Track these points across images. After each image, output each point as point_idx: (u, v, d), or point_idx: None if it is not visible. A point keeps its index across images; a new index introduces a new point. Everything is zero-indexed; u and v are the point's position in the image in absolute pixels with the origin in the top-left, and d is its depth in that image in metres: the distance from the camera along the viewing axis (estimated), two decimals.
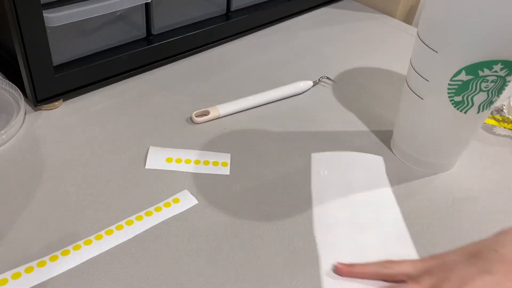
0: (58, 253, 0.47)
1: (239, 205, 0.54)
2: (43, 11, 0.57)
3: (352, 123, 0.68)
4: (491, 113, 0.72)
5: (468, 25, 0.48)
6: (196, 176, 0.57)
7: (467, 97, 0.52)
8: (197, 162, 0.59)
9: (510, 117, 0.71)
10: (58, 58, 0.64)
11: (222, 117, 0.67)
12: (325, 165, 0.60)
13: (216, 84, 0.74)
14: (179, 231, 0.50)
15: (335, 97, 0.74)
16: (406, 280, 0.45)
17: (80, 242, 0.48)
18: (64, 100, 0.67)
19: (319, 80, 0.76)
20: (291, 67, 0.79)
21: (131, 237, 0.49)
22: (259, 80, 0.75)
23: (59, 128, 0.62)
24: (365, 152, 0.63)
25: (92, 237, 0.49)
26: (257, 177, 0.58)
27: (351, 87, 0.76)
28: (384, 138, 0.66)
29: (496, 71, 0.50)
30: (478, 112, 0.54)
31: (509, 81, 0.52)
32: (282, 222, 0.53)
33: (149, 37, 0.73)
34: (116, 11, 0.66)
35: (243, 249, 0.49)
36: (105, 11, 0.63)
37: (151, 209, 0.52)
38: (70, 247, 0.47)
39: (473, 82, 0.51)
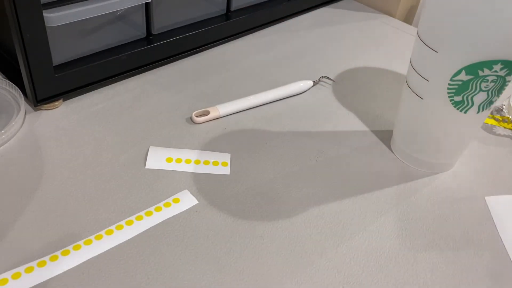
0: (58, 253, 0.47)
1: (239, 205, 0.54)
2: (43, 11, 0.58)
3: (352, 123, 0.68)
4: (491, 113, 0.72)
5: (468, 25, 0.48)
6: (196, 176, 0.57)
7: (467, 97, 0.52)
8: (197, 162, 0.59)
9: (510, 117, 0.71)
10: (58, 58, 0.64)
11: (222, 117, 0.67)
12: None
13: (216, 84, 0.74)
14: (179, 231, 0.50)
15: (335, 97, 0.74)
16: None
17: (80, 242, 0.48)
18: (64, 100, 0.67)
19: (319, 80, 0.76)
20: (291, 67, 0.79)
21: (131, 237, 0.49)
22: (259, 80, 0.75)
23: (59, 128, 0.62)
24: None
25: (92, 237, 0.49)
26: (257, 177, 0.58)
27: (351, 87, 0.76)
28: (384, 138, 0.66)
29: (496, 71, 0.50)
30: (478, 112, 0.54)
31: (509, 81, 0.52)
32: (282, 222, 0.53)
33: (149, 37, 0.73)
34: (116, 11, 0.66)
35: (243, 249, 0.49)
36: (105, 11, 0.63)
37: (151, 209, 0.52)
38: (70, 247, 0.47)
39: (473, 82, 0.51)
